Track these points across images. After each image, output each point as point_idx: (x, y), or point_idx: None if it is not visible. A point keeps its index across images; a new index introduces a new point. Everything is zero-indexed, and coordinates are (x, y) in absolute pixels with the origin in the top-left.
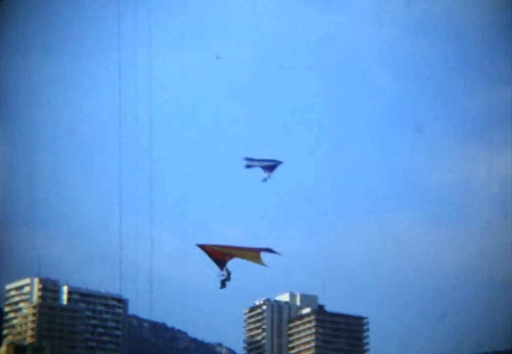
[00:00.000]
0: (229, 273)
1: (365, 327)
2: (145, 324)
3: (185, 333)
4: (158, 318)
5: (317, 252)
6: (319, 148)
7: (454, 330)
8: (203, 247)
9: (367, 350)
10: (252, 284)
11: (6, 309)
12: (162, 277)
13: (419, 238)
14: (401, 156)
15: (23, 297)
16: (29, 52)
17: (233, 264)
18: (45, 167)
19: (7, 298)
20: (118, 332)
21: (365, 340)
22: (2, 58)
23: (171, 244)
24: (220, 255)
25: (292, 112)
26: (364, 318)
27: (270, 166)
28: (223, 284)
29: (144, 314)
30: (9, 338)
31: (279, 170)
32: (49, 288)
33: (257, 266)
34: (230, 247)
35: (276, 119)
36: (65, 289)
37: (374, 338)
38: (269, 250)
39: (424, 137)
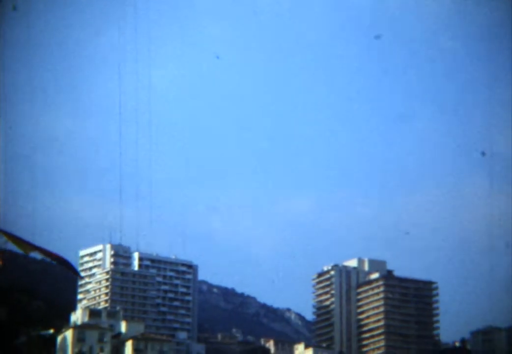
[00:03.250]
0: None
1: (434, 292)
2: (215, 290)
3: (254, 298)
4: (228, 284)
5: (384, 218)
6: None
7: None
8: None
9: (437, 315)
10: (320, 249)
11: (81, 274)
12: (231, 244)
13: (487, 202)
14: (473, 116)
15: (96, 263)
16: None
17: (304, 228)
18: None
19: (81, 264)
20: (189, 298)
21: (434, 305)
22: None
23: (240, 211)
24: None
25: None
26: (433, 282)
27: None
28: None
29: (214, 280)
30: (84, 302)
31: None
32: (121, 254)
33: (324, 231)
34: (33, 246)
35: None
36: (136, 255)
37: (444, 302)
38: (67, 266)
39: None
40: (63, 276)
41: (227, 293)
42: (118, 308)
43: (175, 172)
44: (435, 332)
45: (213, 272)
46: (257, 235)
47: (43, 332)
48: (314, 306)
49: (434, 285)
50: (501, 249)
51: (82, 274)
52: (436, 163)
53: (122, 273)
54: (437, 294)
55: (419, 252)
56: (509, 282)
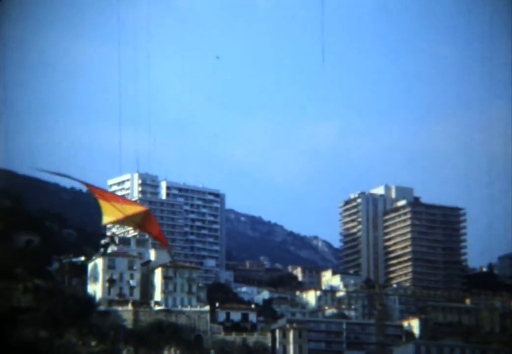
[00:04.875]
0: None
1: (461, 218)
2: (242, 218)
3: (281, 226)
4: (255, 212)
5: (412, 144)
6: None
7: None
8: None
9: (464, 241)
10: (347, 177)
11: None
12: (258, 173)
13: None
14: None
15: (124, 192)
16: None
17: (330, 155)
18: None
19: None
20: (217, 226)
21: (461, 231)
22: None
23: (266, 140)
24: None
25: None
26: (461, 209)
27: None
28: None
29: (241, 208)
30: (114, 231)
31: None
32: (148, 183)
33: (350, 158)
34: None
35: None
36: (163, 184)
37: (471, 228)
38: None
39: None
40: (93, 205)
41: (255, 221)
42: (146, 236)
43: (202, 102)
44: (462, 258)
45: (241, 201)
46: (283, 163)
47: (75, 259)
48: (341, 234)
49: (461, 211)
50: None
51: None
52: (464, 89)
53: (150, 202)
54: (464, 220)
55: (446, 178)
56: None
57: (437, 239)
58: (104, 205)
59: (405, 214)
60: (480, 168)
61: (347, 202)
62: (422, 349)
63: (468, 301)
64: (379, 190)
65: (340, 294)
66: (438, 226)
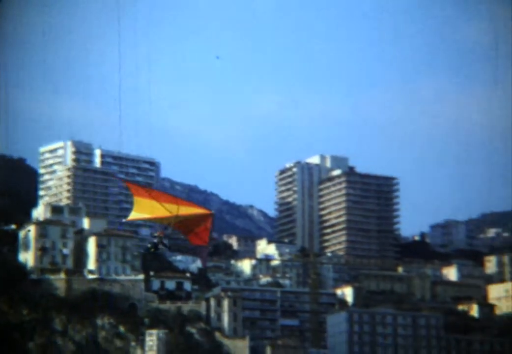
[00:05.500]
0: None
1: (395, 188)
2: (178, 187)
3: (217, 195)
4: (191, 181)
5: (348, 115)
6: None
7: (477, 189)
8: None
9: (397, 210)
10: (283, 146)
11: (41, 171)
12: (194, 141)
13: (446, 101)
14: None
15: (57, 160)
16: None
17: (267, 125)
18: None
19: (41, 160)
20: None
21: (395, 200)
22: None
23: (204, 109)
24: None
25: None
26: (394, 178)
27: None
28: (152, 247)
29: (176, 177)
30: (46, 199)
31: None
32: (82, 151)
33: (286, 128)
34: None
35: None
36: (97, 152)
37: (404, 198)
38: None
39: None
40: (24, 172)
41: (190, 190)
42: (80, 204)
43: (139, 70)
44: (395, 226)
45: (176, 169)
46: (220, 132)
47: (6, 227)
48: (276, 203)
49: (394, 181)
50: (461, 145)
51: (43, 171)
52: (401, 60)
53: (84, 170)
54: (397, 190)
55: (381, 148)
56: (467, 176)
57: (371, 208)
58: (138, 201)
59: (340, 183)
60: (413, 138)
61: (282, 172)
62: (354, 316)
63: (400, 269)
64: (315, 160)
65: (275, 262)
66: (372, 195)
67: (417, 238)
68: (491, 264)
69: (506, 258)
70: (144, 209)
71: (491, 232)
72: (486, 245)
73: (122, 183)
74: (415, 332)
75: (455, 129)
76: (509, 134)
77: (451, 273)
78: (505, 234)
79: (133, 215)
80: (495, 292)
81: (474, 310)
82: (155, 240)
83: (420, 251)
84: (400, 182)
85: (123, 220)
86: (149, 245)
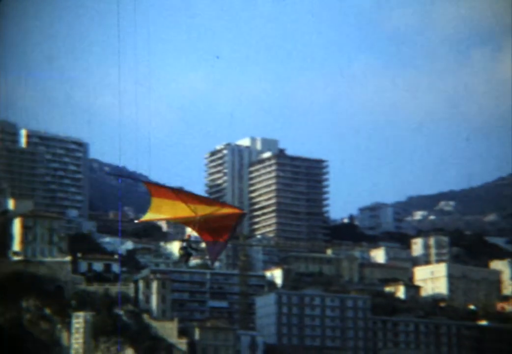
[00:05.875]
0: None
1: (324, 170)
2: (106, 168)
3: (146, 176)
4: (119, 162)
5: (278, 98)
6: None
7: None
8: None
9: (327, 192)
10: (213, 128)
11: None
12: (123, 121)
13: (375, 85)
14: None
15: None
16: None
17: (197, 106)
18: None
19: None
20: (79, 175)
21: (324, 183)
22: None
23: (131, 90)
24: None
25: None
26: (324, 161)
27: None
28: (184, 256)
29: (105, 158)
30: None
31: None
32: (7, 131)
33: (217, 109)
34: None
35: None
36: (23, 132)
37: (334, 181)
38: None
39: None
40: None
41: (119, 171)
42: (5, 185)
43: (65, 47)
44: (324, 209)
45: (104, 150)
46: (150, 113)
47: None
48: (206, 185)
49: (324, 163)
50: (390, 128)
51: None
52: (326, 45)
53: (9, 150)
54: (327, 172)
55: (311, 131)
56: (395, 160)
57: (301, 191)
58: (156, 202)
59: (269, 166)
60: (343, 122)
61: (212, 154)
62: (283, 298)
63: (329, 251)
64: (245, 142)
65: (204, 244)
66: (302, 178)
67: (346, 220)
68: (417, 247)
69: (432, 241)
70: (163, 210)
71: (418, 215)
72: (413, 227)
73: (143, 184)
74: (343, 314)
75: (383, 113)
76: (436, 119)
77: (379, 255)
78: (431, 217)
79: (148, 216)
80: (421, 274)
81: (401, 292)
82: (184, 244)
83: (349, 233)
84: (329, 164)
85: (136, 221)
86: (180, 252)
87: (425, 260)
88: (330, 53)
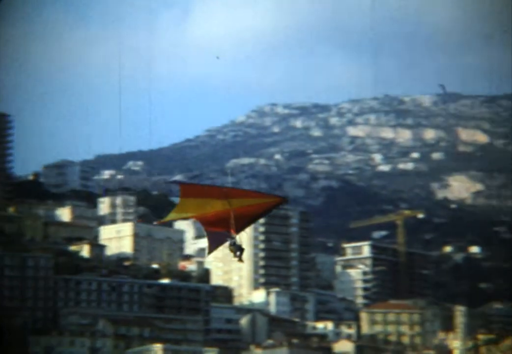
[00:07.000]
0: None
1: (8, 125)
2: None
3: None
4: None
5: None
6: None
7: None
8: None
9: (10, 148)
10: None
11: None
12: None
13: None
14: None
15: None
16: None
17: None
18: None
19: None
20: None
21: (7, 138)
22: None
23: None
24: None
25: None
26: (7, 115)
27: None
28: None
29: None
30: None
31: None
32: None
33: None
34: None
35: None
36: None
37: (18, 136)
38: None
39: None
40: None
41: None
42: None
43: None
44: (7, 165)
45: None
46: None
47: None
48: None
49: (8, 118)
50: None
51: None
52: None
53: None
54: (11, 127)
55: None
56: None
57: None
58: (182, 202)
59: None
60: (31, 78)
61: None
62: None
63: (12, 209)
64: None
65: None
66: None
67: (31, 177)
68: (104, 206)
69: (118, 200)
70: (188, 208)
71: (106, 174)
72: (101, 187)
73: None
74: (23, 273)
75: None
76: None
77: (64, 214)
78: (119, 176)
79: (171, 216)
80: (106, 233)
81: (86, 251)
82: (233, 240)
83: (33, 191)
84: (14, 119)
85: (154, 223)
86: (231, 247)
87: (111, 219)
88: None
